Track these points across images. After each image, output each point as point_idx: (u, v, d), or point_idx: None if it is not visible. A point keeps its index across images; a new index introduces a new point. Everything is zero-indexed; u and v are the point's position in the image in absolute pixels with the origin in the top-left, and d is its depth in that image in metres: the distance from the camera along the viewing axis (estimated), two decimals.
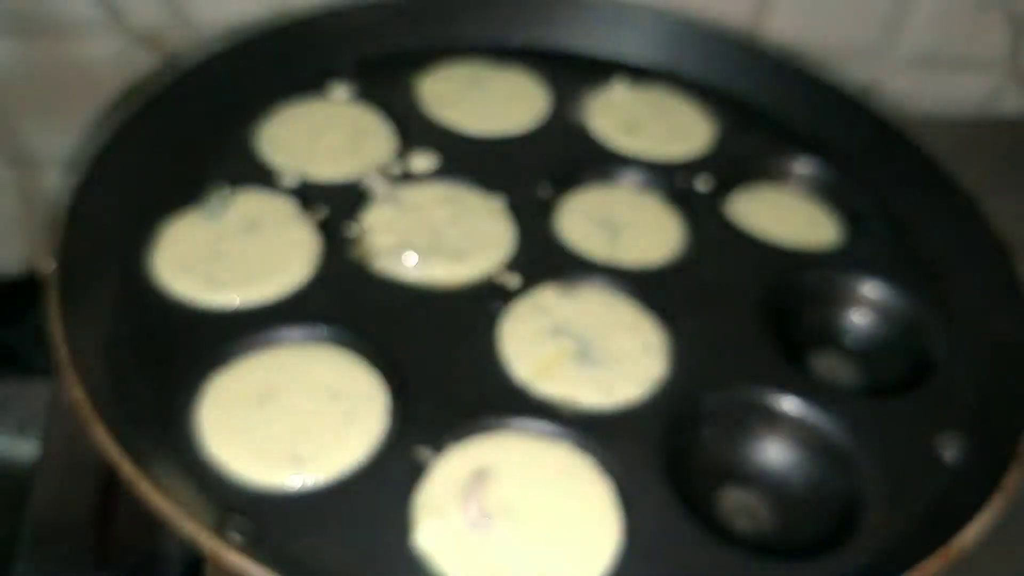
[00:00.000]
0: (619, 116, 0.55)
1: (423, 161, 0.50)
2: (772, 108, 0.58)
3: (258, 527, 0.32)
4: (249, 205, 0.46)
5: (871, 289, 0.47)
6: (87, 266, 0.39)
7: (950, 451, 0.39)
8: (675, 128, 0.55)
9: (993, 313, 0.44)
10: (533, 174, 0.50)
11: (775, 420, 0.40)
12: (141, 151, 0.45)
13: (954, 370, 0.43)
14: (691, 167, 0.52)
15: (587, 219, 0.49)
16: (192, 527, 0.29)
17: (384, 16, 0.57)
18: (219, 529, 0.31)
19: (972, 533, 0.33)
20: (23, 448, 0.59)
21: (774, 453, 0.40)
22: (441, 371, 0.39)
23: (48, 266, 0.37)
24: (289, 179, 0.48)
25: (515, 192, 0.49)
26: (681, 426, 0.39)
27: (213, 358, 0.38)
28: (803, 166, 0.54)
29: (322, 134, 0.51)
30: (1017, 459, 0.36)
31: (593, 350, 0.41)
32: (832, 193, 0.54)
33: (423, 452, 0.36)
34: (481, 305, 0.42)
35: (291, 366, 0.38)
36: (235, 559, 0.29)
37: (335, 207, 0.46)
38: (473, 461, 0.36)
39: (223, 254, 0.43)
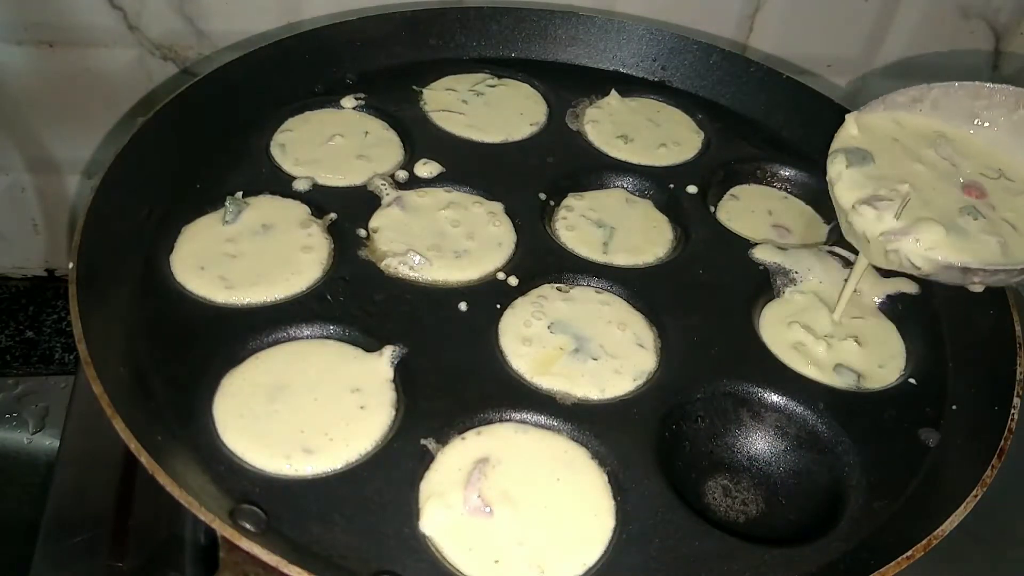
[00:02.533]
0: (613, 124, 0.57)
1: (427, 167, 0.52)
2: (759, 116, 0.60)
3: (270, 514, 0.34)
4: (262, 209, 0.47)
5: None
6: (106, 266, 0.41)
7: (930, 445, 0.40)
8: (666, 136, 0.57)
9: (974, 311, 0.46)
10: (532, 180, 0.52)
11: (762, 413, 0.42)
12: (158, 157, 0.47)
13: (936, 366, 0.45)
14: (681, 173, 0.54)
15: (583, 222, 0.50)
16: (208, 515, 0.31)
17: (391, 30, 0.59)
18: (233, 517, 0.33)
19: (950, 523, 0.34)
20: (43, 441, 0.60)
21: (761, 444, 0.41)
22: (445, 367, 0.40)
23: (69, 266, 0.39)
24: (300, 184, 0.50)
25: (514, 197, 0.51)
26: (672, 418, 0.40)
27: (227, 354, 0.40)
28: (789, 172, 0.56)
29: (332, 141, 0.53)
30: (999, 452, 0.37)
31: (589, 347, 0.42)
32: (817, 197, 0.56)
33: (428, 443, 0.37)
34: (483, 304, 0.44)
35: (302, 362, 0.40)
36: (249, 545, 0.31)
37: (344, 211, 0.48)
38: (475, 452, 0.37)
39: (237, 255, 0.44)
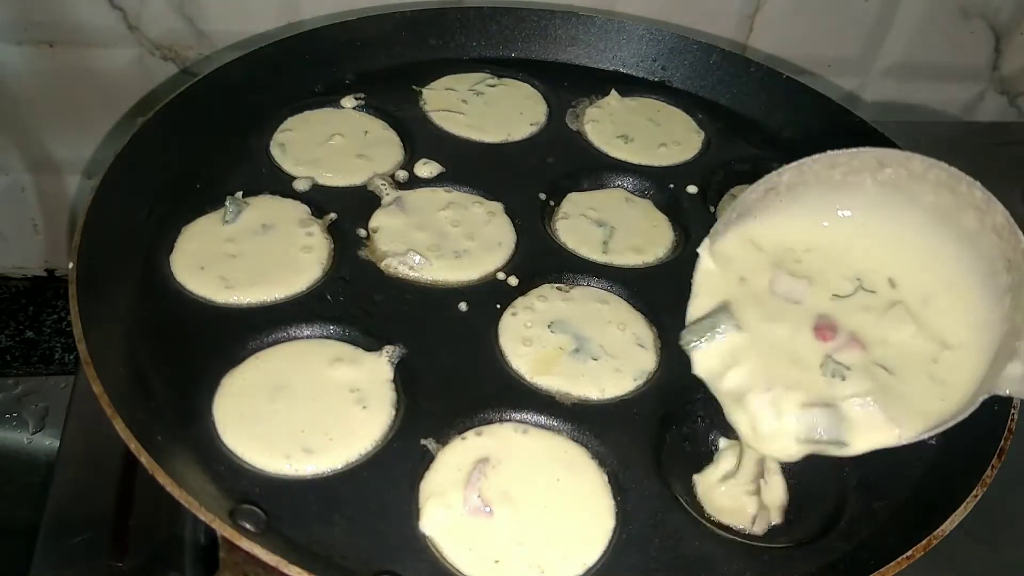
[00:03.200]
0: (614, 124, 0.57)
1: (427, 167, 0.52)
2: (759, 116, 0.60)
3: (270, 514, 0.34)
4: (262, 209, 0.47)
5: None
6: (106, 266, 0.41)
7: (930, 444, 0.40)
8: (666, 136, 0.57)
9: None
10: (532, 180, 0.52)
11: None
12: (158, 157, 0.47)
13: None
14: (682, 173, 0.54)
15: (583, 222, 0.50)
16: (208, 515, 0.31)
17: (390, 30, 0.59)
18: (233, 517, 0.33)
19: (950, 523, 0.34)
20: (43, 441, 0.60)
21: None
22: (445, 367, 0.41)
23: (69, 266, 0.39)
24: (300, 184, 0.50)
25: (514, 197, 0.51)
26: (672, 419, 0.40)
27: (227, 354, 0.40)
28: None
29: (331, 141, 0.53)
30: (999, 452, 0.37)
31: (589, 347, 0.42)
32: None
33: (428, 443, 0.37)
34: (483, 304, 0.44)
35: (301, 362, 0.40)
36: (249, 545, 0.31)
37: (344, 211, 0.48)
38: (475, 452, 0.37)
39: (237, 255, 0.44)
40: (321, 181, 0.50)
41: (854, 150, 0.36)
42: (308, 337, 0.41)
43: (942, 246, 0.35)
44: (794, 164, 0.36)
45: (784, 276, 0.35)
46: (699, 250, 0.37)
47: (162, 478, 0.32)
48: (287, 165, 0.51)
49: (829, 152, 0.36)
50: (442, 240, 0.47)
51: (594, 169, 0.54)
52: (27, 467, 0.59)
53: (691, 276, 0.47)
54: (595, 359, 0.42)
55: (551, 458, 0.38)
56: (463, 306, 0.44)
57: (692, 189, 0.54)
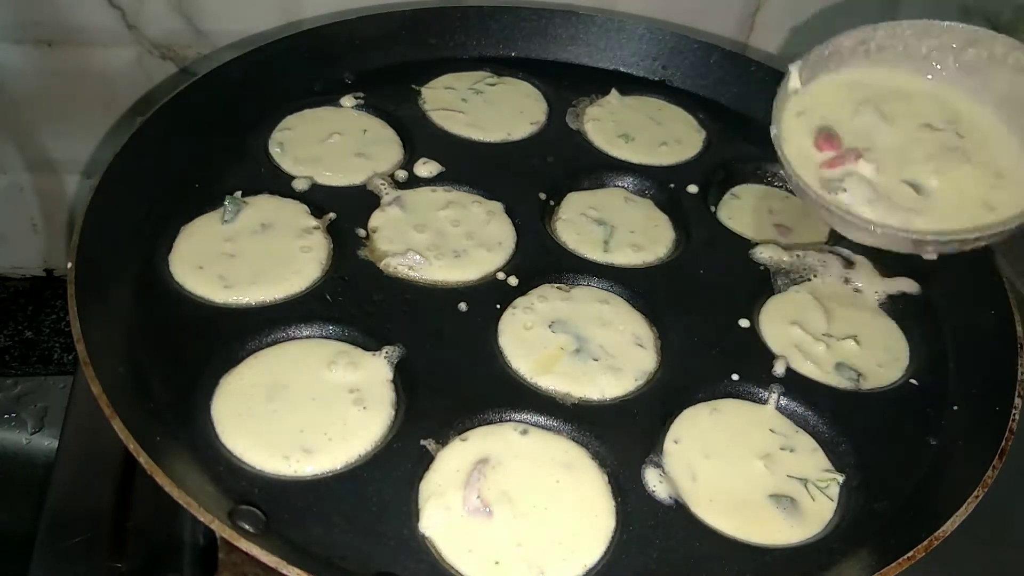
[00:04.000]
0: (615, 123, 0.57)
1: (427, 166, 0.52)
2: (760, 115, 0.60)
3: (269, 515, 0.34)
4: (261, 208, 0.47)
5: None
6: (105, 266, 0.41)
7: (931, 445, 0.40)
8: (667, 134, 0.57)
9: (976, 312, 0.46)
10: (532, 179, 0.52)
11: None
12: (156, 156, 0.47)
13: (937, 366, 0.45)
14: (682, 172, 0.54)
15: (583, 222, 0.50)
16: (207, 516, 0.31)
17: (390, 28, 0.59)
18: (232, 518, 0.32)
19: (951, 524, 0.34)
20: (42, 441, 0.60)
21: None
22: (444, 367, 0.40)
23: (67, 266, 0.39)
24: (299, 184, 0.49)
25: (514, 196, 0.51)
26: (673, 418, 0.40)
27: (226, 354, 0.40)
28: None
29: (330, 140, 0.53)
30: (999, 453, 0.37)
31: (589, 347, 0.42)
32: None
33: (427, 444, 0.37)
34: (482, 304, 0.44)
35: (300, 362, 0.40)
36: (247, 546, 0.31)
37: (343, 210, 0.48)
38: (475, 453, 0.37)
39: (236, 255, 0.44)
40: (320, 180, 0.50)
41: (949, 24, 0.38)
42: (307, 337, 0.41)
43: (1009, 133, 0.37)
44: (890, 23, 0.38)
45: (870, 111, 0.37)
46: (790, 67, 0.39)
47: (161, 479, 0.32)
48: (286, 164, 0.51)
49: (925, 20, 0.38)
50: (442, 240, 0.47)
51: (594, 168, 0.54)
52: (26, 467, 0.60)
53: (692, 276, 0.47)
54: (596, 359, 0.42)
55: (551, 459, 0.38)
56: (463, 306, 0.44)
57: (693, 188, 0.53)
